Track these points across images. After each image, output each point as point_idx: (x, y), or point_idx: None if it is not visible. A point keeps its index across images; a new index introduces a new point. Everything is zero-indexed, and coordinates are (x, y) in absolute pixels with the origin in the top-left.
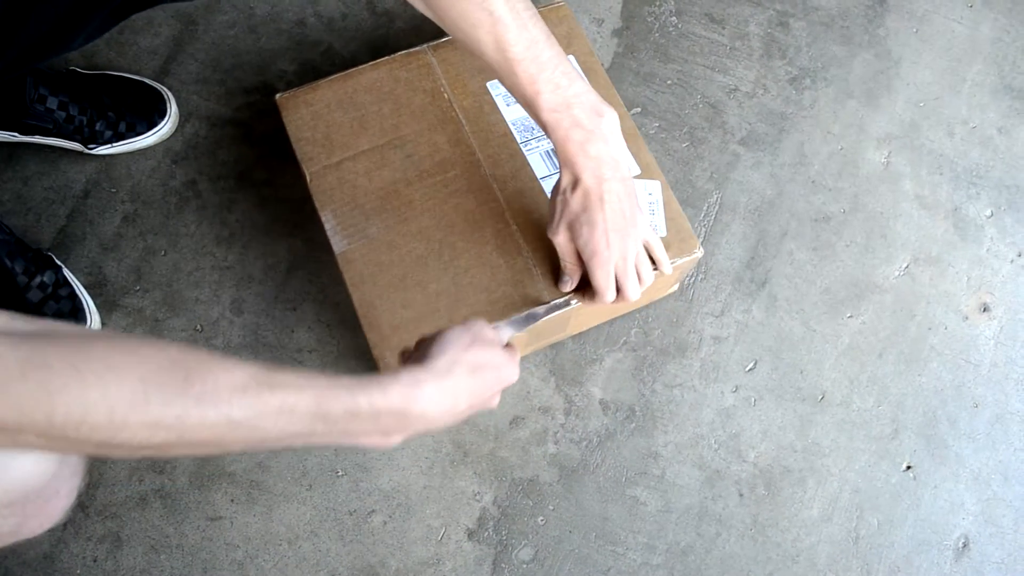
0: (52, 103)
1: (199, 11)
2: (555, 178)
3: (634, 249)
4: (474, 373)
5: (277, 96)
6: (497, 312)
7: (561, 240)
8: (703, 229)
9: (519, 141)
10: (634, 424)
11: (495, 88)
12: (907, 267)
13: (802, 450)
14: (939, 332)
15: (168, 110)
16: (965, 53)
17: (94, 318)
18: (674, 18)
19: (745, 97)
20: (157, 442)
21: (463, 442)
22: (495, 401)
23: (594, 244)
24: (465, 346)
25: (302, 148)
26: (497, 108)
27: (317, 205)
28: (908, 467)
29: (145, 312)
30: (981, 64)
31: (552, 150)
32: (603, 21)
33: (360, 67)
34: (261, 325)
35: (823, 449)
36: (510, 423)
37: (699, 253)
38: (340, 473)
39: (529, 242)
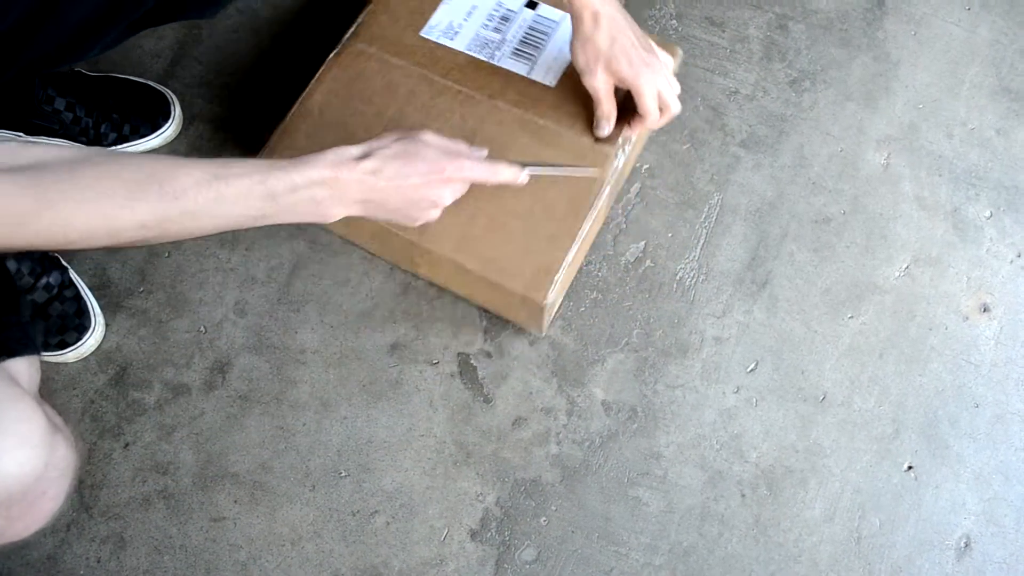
0: (60, 104)
1: None
2: (538, 67)
3: (663, 64)
4: (401, 156)
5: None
6: (583, 190)
7: (600, 82)
8: (704, 231)
9: (485, 59)
10: (636, 425)
11: (430, 33)
12: (907, 268)
13: (804, 450)
14: (939, 332)
15: (172, 112)
16: (963, 55)
17: (98, 320)
18: (674, 21)
19: (745, 99)
20: (143, 236)
21: (465, 443)
22: (427, 209)
23: (637, 65)
24: (401, 135)
25: None
26: (445, 45)
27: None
28: (909, 467)
29: (149, 314)
30: (979, 66)
31: (519, 44)
32: None
33: (308, 89)
34: (264, 327)
35: (824, 449)
36: (512, 424)
37: (680, 53)
38: (343, 474)
39: (560, 121)
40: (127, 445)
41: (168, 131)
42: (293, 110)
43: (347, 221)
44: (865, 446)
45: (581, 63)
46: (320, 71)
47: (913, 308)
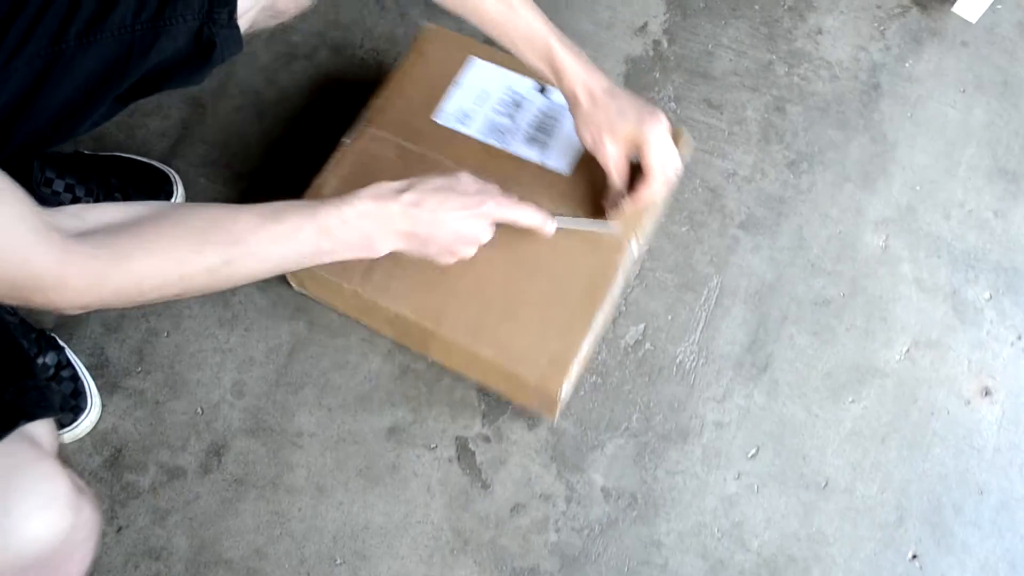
0: (59, 186)
1: (208, 95)
2: (550, 152)
3: (663, 119)
4: (440, 190)
5: None
6: (598, 278)
7: (608, 153)
8: (703, 313)
9: (498, 145)
10: (636, 512)
11: (442, 118)
12: (908, 351)
13: (806, 538)
14: (941, 417)
15: (175, 192)
16: (959, 137)
17: (94, 400)
18: (673, 104)
19: (744, 181)
20: (212, 281)
21: (463, 530)
22: (467, 245)
23: (644, 120)
24: (435, 174)
25: (331, 271)
26: (457, 132)
27: (385, 305)
28: (914, 556)
29: (146, 394)
30: (975, 147)
31: (531, 130)
32: None
33: (321, 175)
34: (262, 408)
35: (827, 537)
36: (511, 510)
37: (691, 142)
38: (339, 561)
39: (586, 211)
40: (120, 529)
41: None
42: (307, 193)
43: (363, 308)
44: (869, 534)
45: (588, 141)
46: (335, 155)
47: (915, 392)
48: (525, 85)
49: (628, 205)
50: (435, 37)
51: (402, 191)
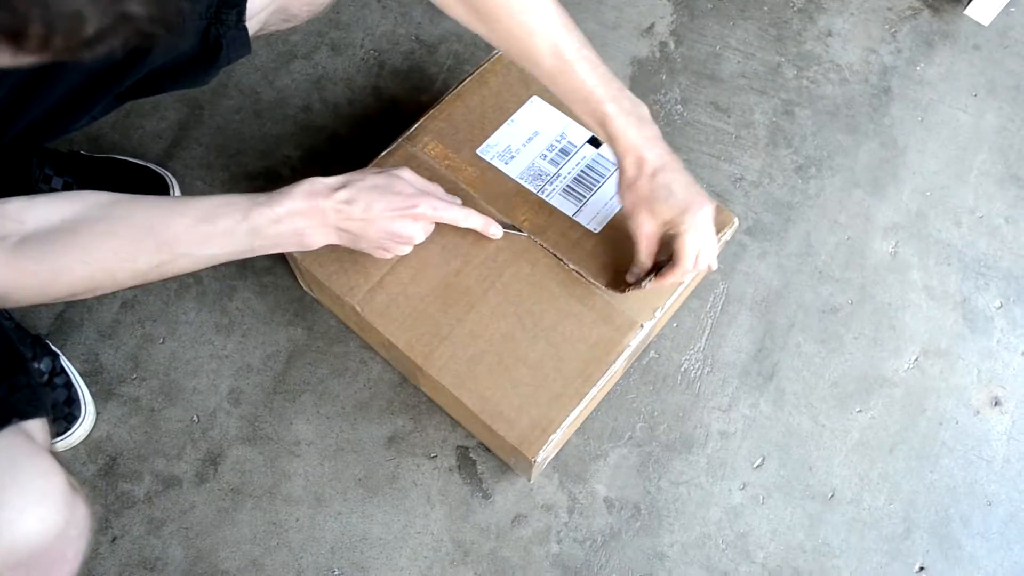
0: (57, 183)
1: (205, 96)
2: (586, 209)
3: (710, 210)
4: (375, 189)
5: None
6: (600, 353)
7: (642, 225)
8: (709, 321)
9: (534, 191)
10: (639, 523)
11: (486, 152)
12: (916, 360)
13: (812, 550)
14: (950, 427)
15: (171, 195)
16: (970, 142)
17: (89, 408)
18: (680, 107)
19: (751, 186)
20: (143, 281)
21: (463, 540)
22: (399, 244)
23: (682, 207)
24: (375, 171)
25: (336, 282)
26: (497, 168)
27: (379, 329)
28: (921, 568)
29: (141, 402)
30: (987, 153)
31: (572, 181)
32: None
33: None
34: (259, 416)
35: (833, 549)
36: (512, 521)
37: (736, 224)
38: (336, 572)
39: (595, 276)
40: (114, 539)
41: None
42: None
43: (361, 325)
44: (875, 546)
45: (627, 205)
46: (368, 168)
47: (923, 402)
48: (580, 134)
49: (650, 284)
50: (503, 70)
51: (336, 188)
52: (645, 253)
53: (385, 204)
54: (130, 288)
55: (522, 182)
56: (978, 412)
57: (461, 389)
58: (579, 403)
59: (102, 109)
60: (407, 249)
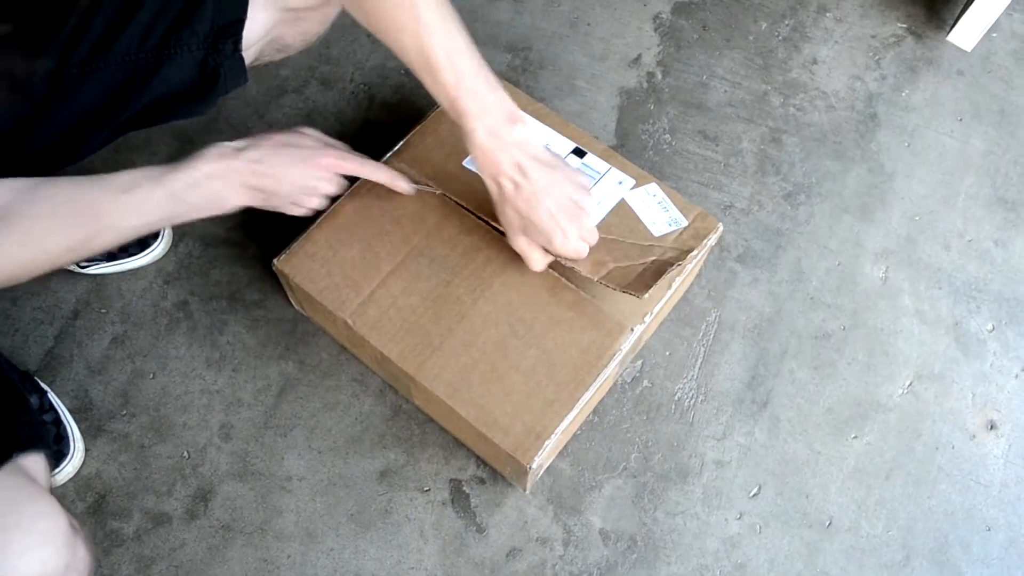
0: None
1: (196, 130)
2: None
3: (589, 227)
4: (281, 145)
5: (274, 263)
6: (592, 358)
7: (520, 244)
8: (702, 349)
9: None
10: (635, 555)
11: (473, 163)
12: (910, 385)
13: None
14: (946, 452)
15: (162, 231)
16: (957, 166)
17: (78, 445)
18: (668, 136)
19: (740, 213)
20: (74, 258)
21: (458, 575)
22: (311, 196)
23: (548, 233)
24: (277, 131)
25: (327, 297)
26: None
27: (372, 342)
28: None
29: (131, 438)
30: (974, 177)
31: None
32: (598, 138)
33: (339, 202)
34: (250, 452)
35: None
36: (507, 555)
37: (720, 228)
38: None
39: (582, 283)
40: None
41: (157, 250)
42: (321, 219)
43: (354, 340)
44: (875, 574)
45: (503, 224)
46: (357, 183)
47: (918, 427)
48: (563, 146)
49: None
50: None
51: (242, 149)
52: (533, 263)
53: (292, 158)
54: (62, 269)
55: None
56: (974, 436)
57: (454, 398)
58: (573, 408)
59: (101, 141)
60: (319, 202)
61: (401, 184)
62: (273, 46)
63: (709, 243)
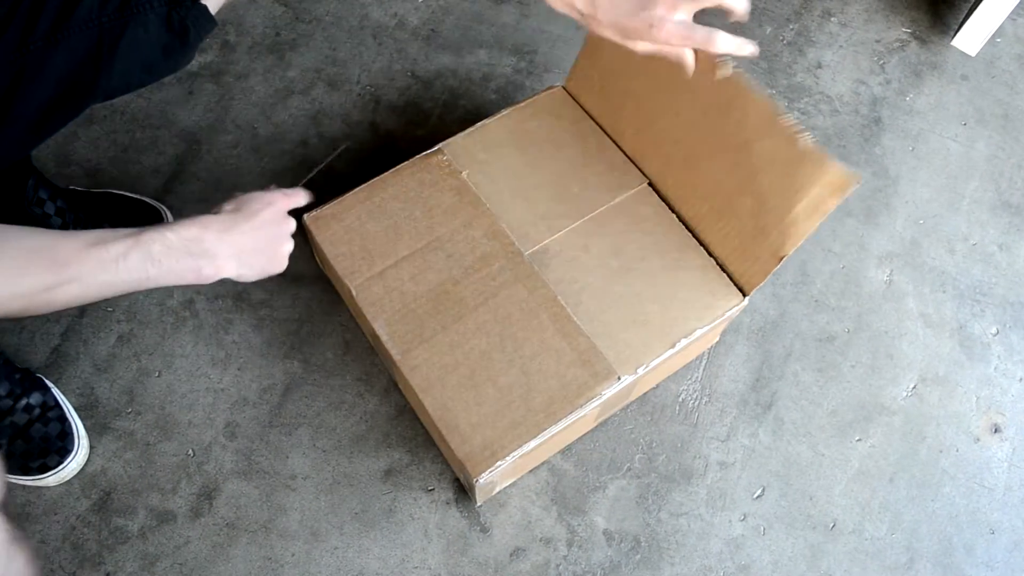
0: (50, 208)
1: (203, 131)
2: None
3: None
4: (241, 208)
5: (305, 216)
6: (570, 394)
7: (608, 28)
8: (706, 351)
9: None
10: (639, 556)
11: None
12: (915, 387)
13: None
14: (951, 455)
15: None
16: (962, 170)
17: (82, 442)
18: None
19: None
20: (29, 308)
21: (461, 575)
22: (279, 262)
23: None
24: (247, 202)
25: (341, 263)
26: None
27: (368, 317)
28: None
29: (136, 436)
30: (978, 181)
31: None
32: None
33: (382, 176)
34: (255, 450)
35: None
36: (511, 555)
37: (745, 302)
38: None
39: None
40: (107, 575)
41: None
42: (361, 187)
43: (357, 311)
44: None
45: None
46: (404, 164)
47: (922, 429)
48: None
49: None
50: (559, 100)
51: (215, 219)
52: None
53: (256, 210)
54: (19, 318)
55: None
56: (978, 439)
57: (426, 393)
58: (535, 437)
59: (85, 106)
60: (290, 246)
61: (300, 198)
62: None
63: (729, 314)
